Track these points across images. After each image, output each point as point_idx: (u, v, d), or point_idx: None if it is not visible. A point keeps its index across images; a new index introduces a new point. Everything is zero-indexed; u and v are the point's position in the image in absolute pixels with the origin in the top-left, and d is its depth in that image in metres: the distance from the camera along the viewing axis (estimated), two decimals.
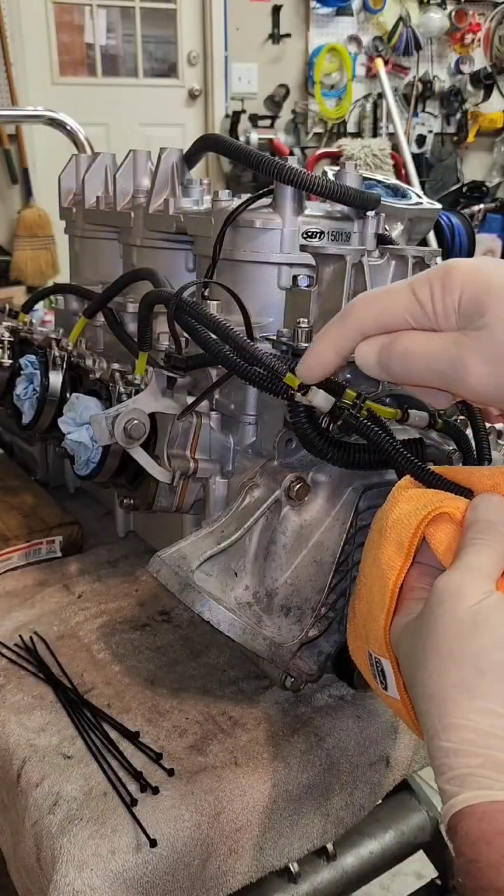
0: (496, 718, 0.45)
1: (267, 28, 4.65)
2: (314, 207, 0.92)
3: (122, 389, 0.86)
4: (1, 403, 1.12)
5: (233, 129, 4.51)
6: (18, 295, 3.92)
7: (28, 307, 1.25)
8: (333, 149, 4.62)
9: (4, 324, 1.15)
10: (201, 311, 0.74)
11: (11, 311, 1.26)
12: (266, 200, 0.91)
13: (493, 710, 0.46)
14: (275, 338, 0.78)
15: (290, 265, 0.88)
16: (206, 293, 0.92)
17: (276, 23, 4.64)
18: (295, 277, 0.81)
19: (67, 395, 0.96)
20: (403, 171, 4.55)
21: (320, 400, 0.69)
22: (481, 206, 4.44)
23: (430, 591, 0.53)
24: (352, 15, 4.82)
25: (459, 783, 0.45)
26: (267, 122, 4.73)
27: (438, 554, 0.58)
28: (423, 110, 5.19)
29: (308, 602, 0.75)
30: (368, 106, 4.99)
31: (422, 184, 4.87)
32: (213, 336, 0.74)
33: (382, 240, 0.95)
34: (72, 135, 1.88)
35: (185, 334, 0.79)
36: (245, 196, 0.92)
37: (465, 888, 0.42)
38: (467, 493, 0.62)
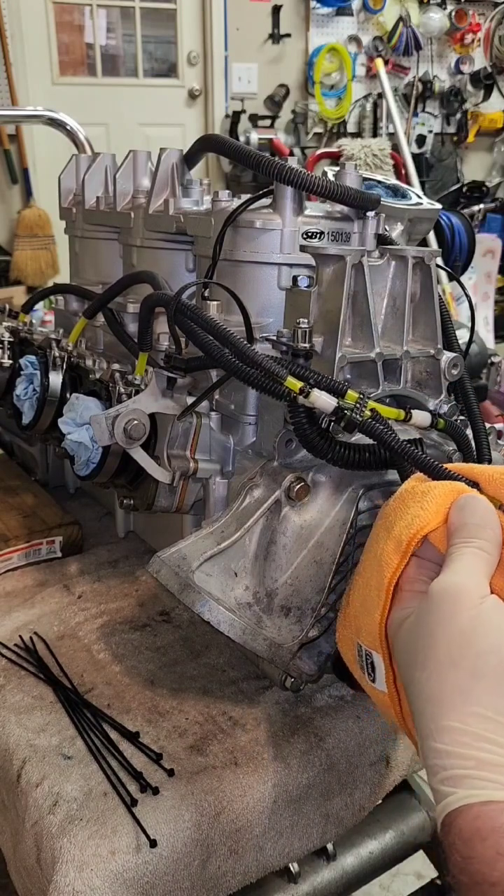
0: (489, 722, 0.47)
1: (267, 28, 4.64)
2: (314, 208, 0.92)
3: (122, 390, 0.86)
4: (1, 404, 1.12)
5: (233, 129, 4.50)
6: (18, 295, 3.92)
7: (28, 307, 1.25)
8: (333, 149, 4.61)
9: (4, 324, 1.15)
10: (201, 314, 0.74)
11: (11, 312, 1.26)
12: (266, 201, 0.91)
13: (487, 715, 0.47)
14: (275, 338, 0.78)
15: (290, 265, 0.88)
16: (206, 293, 0.92)
17: (276, 23, 4.63)
18: (295, 278, 0.81)
19: (67, 395, 0.96)
20: (403, 171, 4.55)
21: (323, 402, 0.69)
22: (481, 206, 4.43)
23: (428, 590, 0.54)
24: (352, 15, 4.81)
25: (454, 784, 0.46)
26: (267, 122, 4.72)
27: (440, 547, 0.58)
28: (423, 110, 5.19)
29: (308, 602, 0.75)
30: (368, 106, 4.98)
31: (422, 184, 4.87)
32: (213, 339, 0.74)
33: (382, 240, 0.95)
34: (72, 135, 1.88)
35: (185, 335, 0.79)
36: (245, 196, 0.92)
37: (460, 884, 0.45)
38: (474, 485, 0.63)
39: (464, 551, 0.55)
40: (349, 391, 0.70)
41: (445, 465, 0.64)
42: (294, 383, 0.68)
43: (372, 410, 0.70)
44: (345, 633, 0.66)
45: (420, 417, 0.77)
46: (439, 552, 0.59)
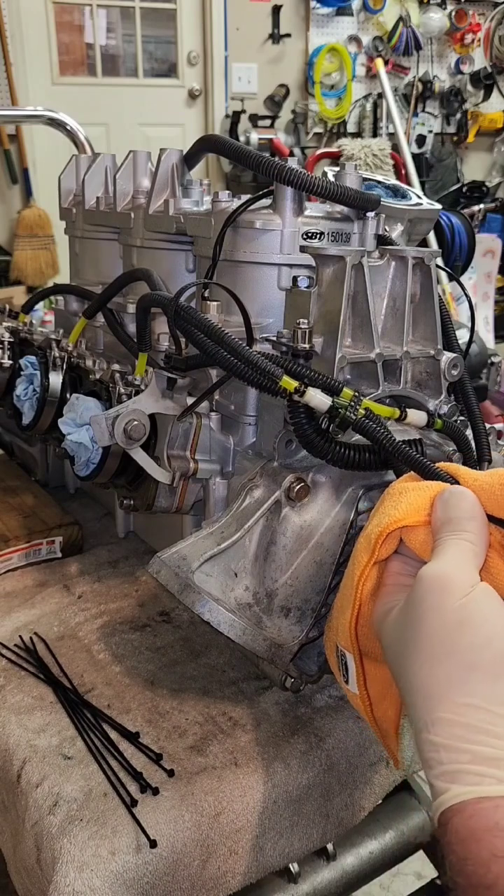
0: (485, 714, 0.46)
1: (267, 28, 4.64)
2: (314, 208, 0.92)
3: (122, 390, 0.86)
4: (1, 404, 1.12)
5: (233, 129, 4.50)
6: (18, 295, 3.92)
7: (28, 307, 1.25)
8: (333, 149, 4.61)
9: (4, 324, 1.15)
10: (197, 316, 0.74)
11: (11, 312, 1.26)
12: (266, 201, 0.91)
13: (482, 706, 0.46)
14: (275, 338, 0.78)
15: (290, 266, 0.88)
16: (206, 294, 0.92)
17: (276, 23, 4.63)
18: (295, 278, 0.81)
19: (67, 395, 0.96)
20: (403, 171, 4.55)
21: (317, 400, 0.69)
22: (481, 206, 4.43)
23: (415, 579, 0.53)
24: (352, 15, 4.81)
25: (449, 779, 0.45)
26: (267, 122, 4.72)
27: (415, 549, 0.58)
28: (423, 110, 5.19)
29: (308, 603, 0.75)
30: (368, 106, 4.98)
31: (422, 184, 4.87)
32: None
33: (382, 240, 0.95)
34: (72, 135, 1.88)
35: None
36: (245, 197, 0.92)
37: (457, 885, 0.43)
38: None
39: (452, 541, 0.54)
40: (344, 389, 0.70)
41: (434, 464, 0.63)
42: (290, 382, 0.68)
43: (366, 409, 0.70)
44: (329, 635, 0.67)
45: (416, 417, 0.77)
46: (420, 557, 0.58)
